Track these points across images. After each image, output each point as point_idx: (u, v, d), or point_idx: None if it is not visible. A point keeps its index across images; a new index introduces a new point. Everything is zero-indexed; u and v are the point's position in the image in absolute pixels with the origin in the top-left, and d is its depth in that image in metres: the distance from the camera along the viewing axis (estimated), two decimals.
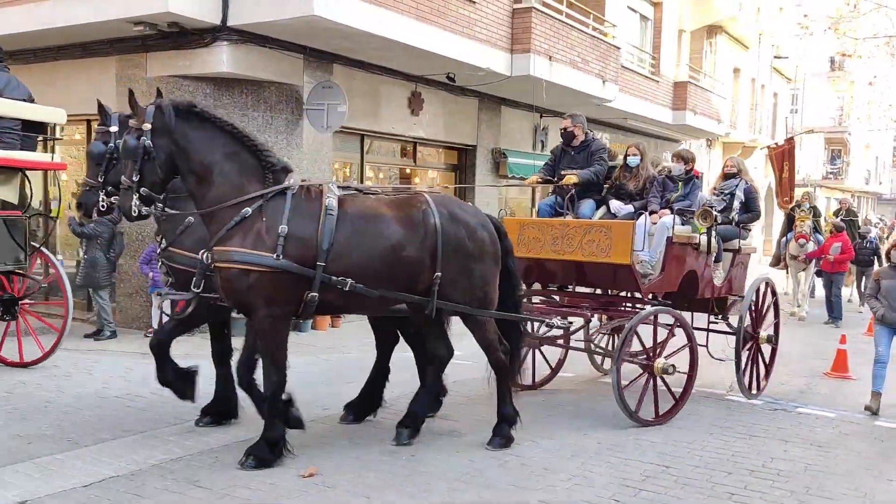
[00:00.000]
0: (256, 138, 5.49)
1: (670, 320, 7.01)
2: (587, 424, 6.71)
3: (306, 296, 5.29)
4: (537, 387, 8.09)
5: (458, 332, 6.47)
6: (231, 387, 6.30)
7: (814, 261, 14.42)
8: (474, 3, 11.80)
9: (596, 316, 7.81)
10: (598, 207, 7.76)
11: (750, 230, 8.43)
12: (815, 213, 15.28)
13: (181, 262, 5.90)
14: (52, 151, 8.33)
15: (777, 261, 15.67)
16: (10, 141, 7.69)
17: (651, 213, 7.35)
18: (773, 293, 8.35)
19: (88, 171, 6.07)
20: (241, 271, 5.14)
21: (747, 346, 7.90)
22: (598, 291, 8.23)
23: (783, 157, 15.28)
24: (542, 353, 8.16)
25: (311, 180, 6.00)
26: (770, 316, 8.40)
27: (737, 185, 8.15)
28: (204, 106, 5.40)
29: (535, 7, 12.85)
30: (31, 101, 8.00)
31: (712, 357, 7.87)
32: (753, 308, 8.04)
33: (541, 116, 16.11)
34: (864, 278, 15.48)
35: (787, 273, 15.35)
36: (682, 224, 7.39)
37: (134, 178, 5.10)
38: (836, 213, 17.33)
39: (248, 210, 5.19)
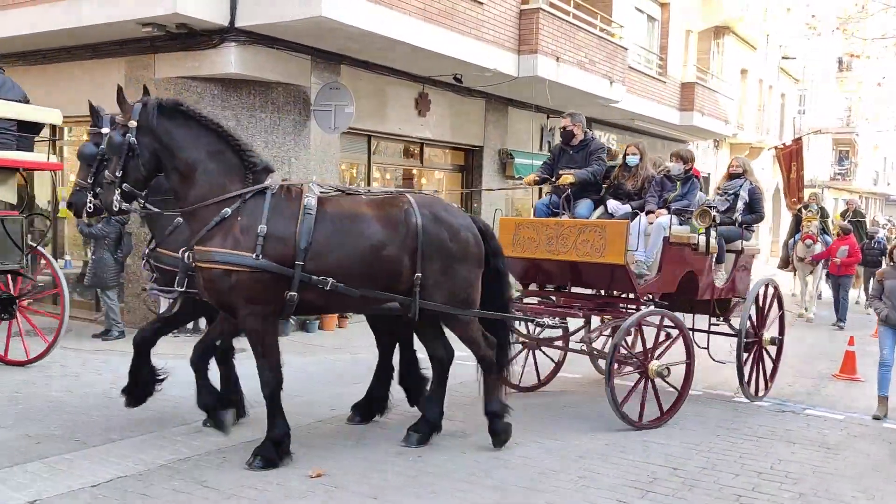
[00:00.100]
0: (241, 138, 5.53)
1: (666, 322, 6.94)
2: (594, 426, 6.70)
3: (286, 295, 5.32)
4: (536, 389, 8.07)
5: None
6: (237, 386, 6.34)
7: (822, 262, 14.37)
8: (482, 3, 11.81)
9: (597, 317, 7.77)
10: (596, 207, 7.68)
11: (753, 231, 8.34)
12: (823, 213, 15.24)
13: (167, 262, 5.99)
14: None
15: (785, 262, 15.62)
16: (5, 141, 7.78)
17: (648, 212, 7.27)
18: (778, 295, 8.28)
19: (80, 171, 6.14)
20: (222, 271, 5.19)
21: (749, 349, 7.84)
22: (602, 292, 8.18)
23: (791, 157, 15.26)
24: (545, 353, 8.14)
25: (292, 180, 6.02)
26: (774, 318, 8.31)
27: (741, 186, 8.07)
28: (190, 104, 5.46)
29: (542, 8, 12.84)
30: (27, 101, 8.10)
31: (713, 360, 7.86)
32: (756, 310, 7.97)
33: (548, 117, 16.09)
34: (871, 280, 15.40)
35: (795, 275, 15.30)
36: (680, 224, 7.30)
37: (117, 174, 5.18)
38: (843, 215, 17.27)
39: (228, 210, 5.24)
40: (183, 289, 5.72)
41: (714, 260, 7.66)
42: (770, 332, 8.19)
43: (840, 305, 14.01)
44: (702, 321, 8.13)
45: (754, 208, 8.06)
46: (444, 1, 10.92)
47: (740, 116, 26.05)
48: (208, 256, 5.20)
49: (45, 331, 8.45)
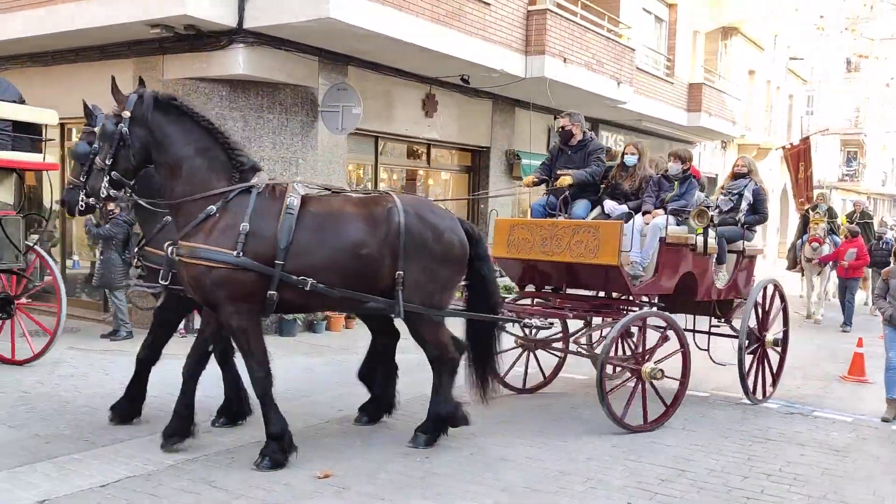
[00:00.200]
0: (231, 136, 5.56)
1: (657, 322, 6.88)
2: (601, 427, 6.68)
3: (267, 294, 5.34)
4: (534, 390, 8.05)
5: (459, 334, 6.40)
6: (239, 385, 6.36)
7: (830, 264, 14.30)
8: (489, 4, 11.81)
9: (597, 318, 7.71)
10: (593, 208, 7.57)
11: (755, 231, 8.26)
12: (832, 214, 15.17)
13: (155, 261, 6.00)
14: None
15: (794, 263, 15.57)
16: (0, 142, 7.82)
17: (644, 213, 7.19)
18: (781, 296, 8.19)
19: (73, 170, 6.16)
20: (205, 268, 5.22)
21: (751, 350, 7.76)
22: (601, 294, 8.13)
23: (798, 157, 15.23)
24: (550, 353, 8.11)
25: (278, 179, 6.03)
26: (777, 319, 8.23)
27: (745, 186, 8.00)
28: (185, 100, 5.49)
29: (549, 9, 12.83)
30: (22, 102, 8.17)
31: (714, 362, 7.81)
32: (758, 311, 7.91)
33: (555, 118, 16.02)
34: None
35: (803, 276, 15.25)
36: (678, 224, 7.19)
37: (107, 162, 5.23)
38: (850, 216, 17.19)
39: (213, 207, 5.28)
40: (167, 283, 5.69)
41: (714, 261, 7.59)
42: (774, 333, 8.11)
43: (847, 308, 13.94)
44: (703, 322, 8.06)
45: (758, 209, 7.97)
46: (451, 2, 10.93)
47: (747, 117, 25.98)
48: (191, 252, 5.25)
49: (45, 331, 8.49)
